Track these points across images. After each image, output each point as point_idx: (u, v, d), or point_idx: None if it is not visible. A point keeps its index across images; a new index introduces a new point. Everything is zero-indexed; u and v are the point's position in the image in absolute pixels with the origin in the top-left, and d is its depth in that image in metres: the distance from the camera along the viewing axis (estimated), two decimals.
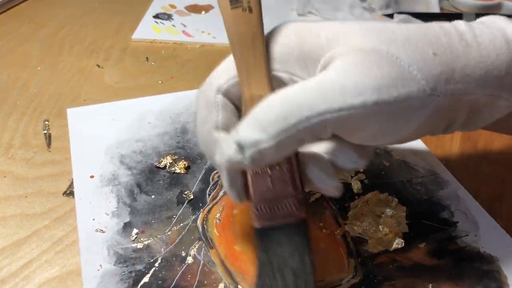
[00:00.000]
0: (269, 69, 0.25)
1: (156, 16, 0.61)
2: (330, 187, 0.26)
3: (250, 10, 0.25)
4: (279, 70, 0.25)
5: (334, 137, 0.25)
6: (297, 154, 0.26)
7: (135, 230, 0.33)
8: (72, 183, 0.36)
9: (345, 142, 0.26)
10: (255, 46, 0.25)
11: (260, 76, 0.25)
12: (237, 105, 0.26)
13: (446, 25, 0.25)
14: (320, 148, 0.27)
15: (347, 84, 0.22)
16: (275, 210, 0.26)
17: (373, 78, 0.22)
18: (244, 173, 0.26)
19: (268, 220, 0.26)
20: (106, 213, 0.34)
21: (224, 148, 0.23)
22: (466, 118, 0.26)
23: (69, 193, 0.36)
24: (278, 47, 0.25)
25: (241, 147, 0.23)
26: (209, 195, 0.36)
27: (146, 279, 0.30)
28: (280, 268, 0.26)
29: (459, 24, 0.25)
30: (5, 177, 0.37)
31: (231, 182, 0.25)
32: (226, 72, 0.26)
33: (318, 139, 0.24)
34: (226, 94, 0.26)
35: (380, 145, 0.29)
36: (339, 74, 0.23)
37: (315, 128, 0.23)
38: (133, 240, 0.32)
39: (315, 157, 0.26)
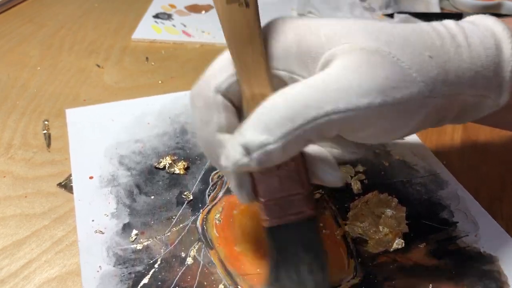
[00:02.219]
0: (269, 66, 0.25)
1: (156, 16, 0.61)
2: (334, 179, 0.26)
3: (247, 4, 0.24)
4: (278, 68, 0.25)
5: (336, 136, 0.25)
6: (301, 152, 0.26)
7: (134, 231, 0.33)
8: (69, 176, 0.36)
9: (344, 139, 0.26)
10: (253, 42, 0.24)
11: (260, 74, 0.25)
12: (236, 105, 0.26)
13: (437, 26, 0.25)
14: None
15: (353, 84, 0.22)
16: (284, 208, 0.26)
17: (378, 79, 0.22)
18: (251, 174, 0.26)
19: (278, 218, 0.26)
20: (105, 214, 0.34)
21: (230, 151, 0.23)
22: (456, 115, 0.26)
23: (64, 185, 0.36)
24: (276, 44, 0.25)
25: (247, 149, 0.22)
26: (208, 195, 0.36)
27: (145, 280, 0.30)
28: (295, 265, 0.26)
29: (450, 24, 0.25)
30: (4, 177, 0.37)
31: (239, 184, 0.25)
32: (223, 70, 0.25)
33: (323, 138, 0.24)
34: (225, 94, 0.25)
35: (378, 142, 0.29)
36: (343, 74, 0.23)
37: (321, 128, 0.22)
38: (133, 241, 0.32)
39: (317, 150, 0.26)
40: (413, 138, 0.42)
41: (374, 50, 0.23)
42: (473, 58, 0.24)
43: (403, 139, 0.41)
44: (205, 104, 0.25)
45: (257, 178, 0.25)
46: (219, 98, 0.25)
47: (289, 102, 0.22)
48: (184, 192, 0.36)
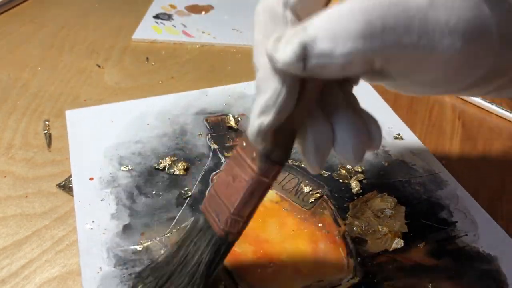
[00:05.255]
0: None
1: (156, 16, 0.61)
2: (313, 165, 0.23)
3: None
4: None
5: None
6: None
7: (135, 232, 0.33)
8: (69, 177, 0.36)
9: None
10: None
11: None
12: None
13: None
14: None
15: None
16: (214, 208, 0.25)
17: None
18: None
19: (207, 210, 0.26)
20: (105, 215, 0.34)
21: (286, 47, 0.19)
22: None
23: (63, 185, 0.36)
24: None
25: (305, 52, 0.19)
26: None
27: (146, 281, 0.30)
28: (182, 262, 0.26)
29: None
30: (5, 177, 0.37)
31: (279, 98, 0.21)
32: None
33: (385, 70, 0.21)
34: (294, 9, 0.22)
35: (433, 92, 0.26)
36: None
37: (396, 58, 0.20)
38: (133, 242, 0.32)
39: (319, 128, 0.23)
40: (413, 138, 0.42)
41: None
42: None
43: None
44: (272, 18, 0.23)
45: (226, 167, 0.25)
46: (288, 14, 0.22)
47: (370, 15, 0.19)
48: (184, 193, 0.36)
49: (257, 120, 0.21)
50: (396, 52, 0.20)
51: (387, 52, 0.20)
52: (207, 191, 0.26)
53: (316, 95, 0.22)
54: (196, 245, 0.26)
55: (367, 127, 0.24)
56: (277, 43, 0.20)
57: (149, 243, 0.32)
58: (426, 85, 0.23)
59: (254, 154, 0.23)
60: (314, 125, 0.23)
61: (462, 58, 0.21)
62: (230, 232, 0.25)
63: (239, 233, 0.26)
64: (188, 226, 0.27)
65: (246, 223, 0.25)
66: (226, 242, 0.26)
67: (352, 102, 0.24)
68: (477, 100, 0.48)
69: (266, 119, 0.21)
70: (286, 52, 0.19)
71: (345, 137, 0.23)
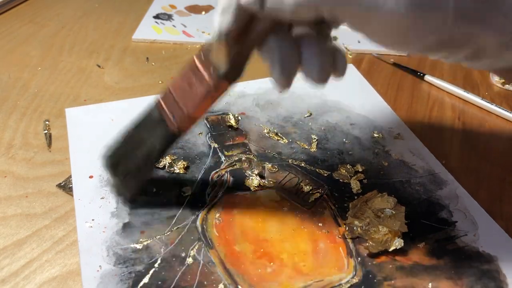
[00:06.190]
0: None
1: (157, 17, 0.61)
2: (279, 81, 0.27)
3: None
4: None
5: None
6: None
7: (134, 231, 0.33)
8: (69, 177, 0.36)
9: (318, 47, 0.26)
10: None
11: None
12: None
13: None
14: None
15: None
16: (171, 107, 0.30)
17: None
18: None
19: (162, 107, 0.31)
20: (105, 214, 0.34)
21: None
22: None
23: (63, 186, 0.36)
24: None
25: None
26: (208, 195, 0.36)
27: (146, 279, 0.30)
28: (137, 145, 0.32)
29: None
30: (5, 177, 0.37)
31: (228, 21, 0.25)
32: None
33: (334, 19, 0.24)
34: None
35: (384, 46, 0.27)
36: None
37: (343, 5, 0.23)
38: (133, 241, 0.32)
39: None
40: (413, 138, 0.42)
41: None
42: None
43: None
44: None
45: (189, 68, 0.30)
46: None
47: None
48: (184, 191, 0.36)
49: (219, 18, 0.26)
50: (339, 6, 0.22)
51: (330, 5, 0.22)
52: (164, 93, 0.31)
53: (265, 34, 0.27)
54: (150, 134, 0.32)
55: (333, 54, 0.27)
56: None
57: (149, 241, 0.32)
58: (381, 40, 0.25)
59: (212, 70, 0.28)
60: (282, 45, 0.26)
61: (410, 22, 0.22)
62: (181, 130, 0.31)
63: (186, 131, 0.32)
64: (143, 115, 0.33)
65: (194, 123, 0.31)
66: (176, 137, 0.32)
67: (324, 37, 0.27)
68: (477, 100, 0.48)
69: (225, 19, 0.25)
70: None
71: (310, 58, 0.26)
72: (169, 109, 0.31)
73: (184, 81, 0.30)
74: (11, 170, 0.38)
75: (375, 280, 0.31)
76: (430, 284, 0.30)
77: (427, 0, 0.22)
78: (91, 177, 0.36)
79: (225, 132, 0.42)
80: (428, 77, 0.51)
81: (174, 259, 0.31)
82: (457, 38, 0.24)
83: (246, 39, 0.27)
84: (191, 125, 0.31)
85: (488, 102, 0.47)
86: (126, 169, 0.33)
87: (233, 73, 0.28)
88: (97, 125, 0.42)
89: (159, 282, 0.30)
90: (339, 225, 0.34)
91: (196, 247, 0.32)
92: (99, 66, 0.52)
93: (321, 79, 0.27)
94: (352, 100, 0.46)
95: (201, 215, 0.34)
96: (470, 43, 0.24)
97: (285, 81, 0.27)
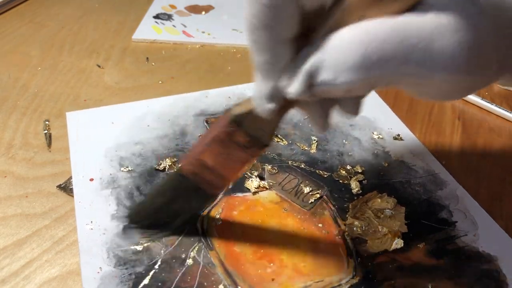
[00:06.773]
0: None
1: (156, 17, 0.61)
2: (319, 125, 0.26)
3: None
4: None
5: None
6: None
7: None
8: (69, 178, 0.36)
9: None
10: None
11: None
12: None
13: None
14: None
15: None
16: (205, 172, 0.30)
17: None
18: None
19: (193, 173, 0.30)
20: (106, 216, 0.34)
21: (295, 78, 0.22)
22: None
23: (63, 187, 0.36)
24: None
25: (310, 79, 0.21)
26: None
27: (146, 281, 0.30)
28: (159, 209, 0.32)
29: None
30: (5, 177, 0.37)
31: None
32: None
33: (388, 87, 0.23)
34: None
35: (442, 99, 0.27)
36: (437, 19, 0.20)
37: (397, 81, 0.21)
38: (133, 243, 0.32)
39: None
40: (413, 138, 0.42)
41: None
42: None
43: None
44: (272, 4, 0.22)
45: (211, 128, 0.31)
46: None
47: (367, 48, 0.20)
48: None
49: (259, 101, 0.25)
50: (396, 78, 0.21)
51: (386, 78, 0.21)
52: (189, 162, 0.31)
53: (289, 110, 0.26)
54: (186, 202, 0.32)
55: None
56: (287, 79, 0.23)
57: (149, 243, 0.32)
58: (433, 97, 0.24)
59: (249, 139, 0.28)
60: (319, 101, 0.25)
61: (461, 82, 0.22)
62: (220, 191, 0.33)
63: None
64: (167, 189, 0.32)
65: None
66: (215, 197, 0.34)
67: None
68: (477, 100, 0.48)
69: (269, 106, 0.24)
70: (295, 86, 0.22)
71: (349, 100, 0.25)
72: (204, 176, 0.30)
73: (215, 149, 0.29)
74: (11, 170, 0.38)
75: (375, 280, 0.31)
76: (430, 284, 0.30)
77: (476, 61, 0.21)
78: (91, 180, 0.36)
79: None
80: None
81: (174, 260, 0.31)
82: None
83: (286, 110, 0.26)
84: (228, 185, 0.35)
85: (488, 102, 0.47)
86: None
87: (271, 138, 0.28)
88: (98, 128, 0.42)
89: (159, 284, 0.30)
90: (339, 226, 0.34)
91: (196, 249, 0.32)
92: (99, 66, 0.52)
93: (359, 112, 0.26)
94: None
95: (201, 216, 0.34)
96: None
97: (326, 126, 0.26)
